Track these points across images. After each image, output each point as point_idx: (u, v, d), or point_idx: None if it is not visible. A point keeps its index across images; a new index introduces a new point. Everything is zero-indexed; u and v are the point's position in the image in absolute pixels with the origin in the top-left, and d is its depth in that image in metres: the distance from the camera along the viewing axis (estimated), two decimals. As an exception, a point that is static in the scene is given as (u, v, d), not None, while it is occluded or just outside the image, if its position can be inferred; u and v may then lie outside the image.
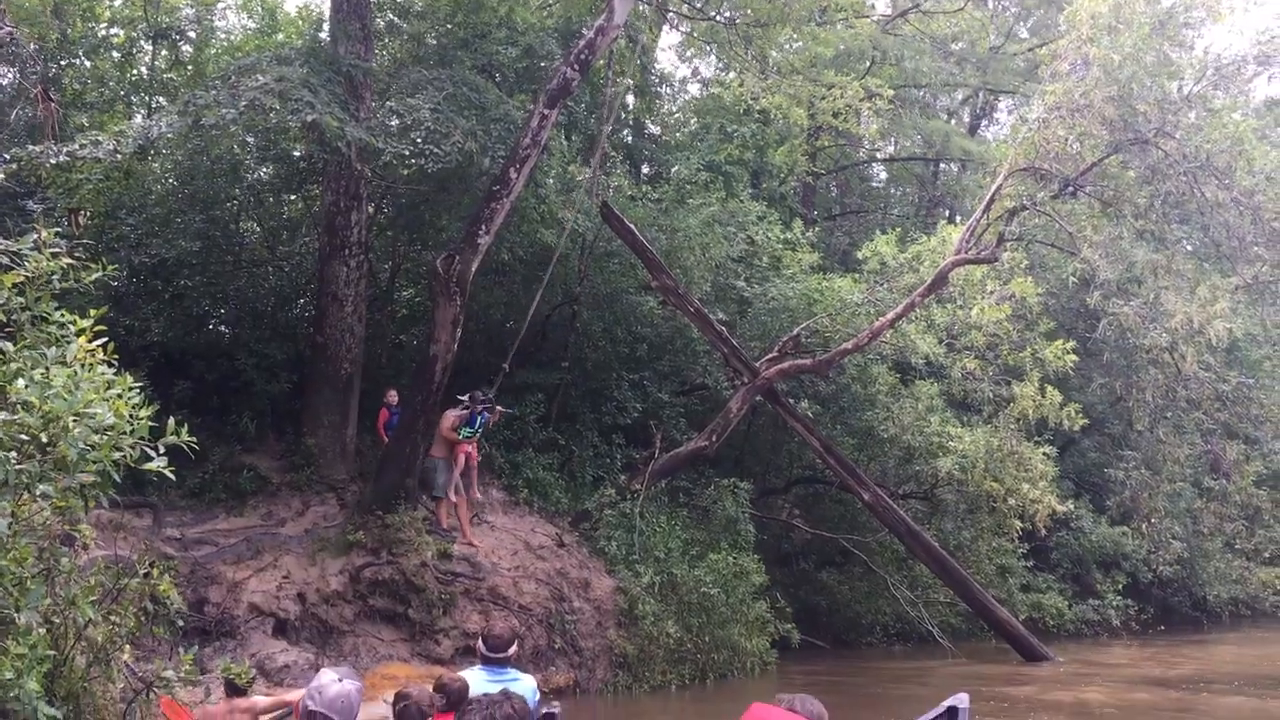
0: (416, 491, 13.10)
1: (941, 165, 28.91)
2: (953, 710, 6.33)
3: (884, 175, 31.00)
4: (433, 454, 12.80)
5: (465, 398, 12.83)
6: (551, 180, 16.02)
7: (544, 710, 6.91)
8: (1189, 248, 19.08)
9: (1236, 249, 15.17)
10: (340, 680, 3.94)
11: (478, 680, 5.39)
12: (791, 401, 17.28)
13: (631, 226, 15.03)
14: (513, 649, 5.63)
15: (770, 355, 16.25)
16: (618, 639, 13.16)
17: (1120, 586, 22.72)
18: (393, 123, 12.95)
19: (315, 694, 3.91)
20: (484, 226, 12.65)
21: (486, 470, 14.28)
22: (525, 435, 15.54)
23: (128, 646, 6.77)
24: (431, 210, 15.52)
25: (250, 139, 14.17)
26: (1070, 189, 15.12)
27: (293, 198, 16.67)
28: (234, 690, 6.87)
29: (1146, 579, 22.76)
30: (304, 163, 15.45)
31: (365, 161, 13.38)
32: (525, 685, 5.55)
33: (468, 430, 12.93)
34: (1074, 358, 17.22)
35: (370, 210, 15.13)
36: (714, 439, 15.62)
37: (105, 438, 4.91)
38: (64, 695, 5.87)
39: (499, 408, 13.42)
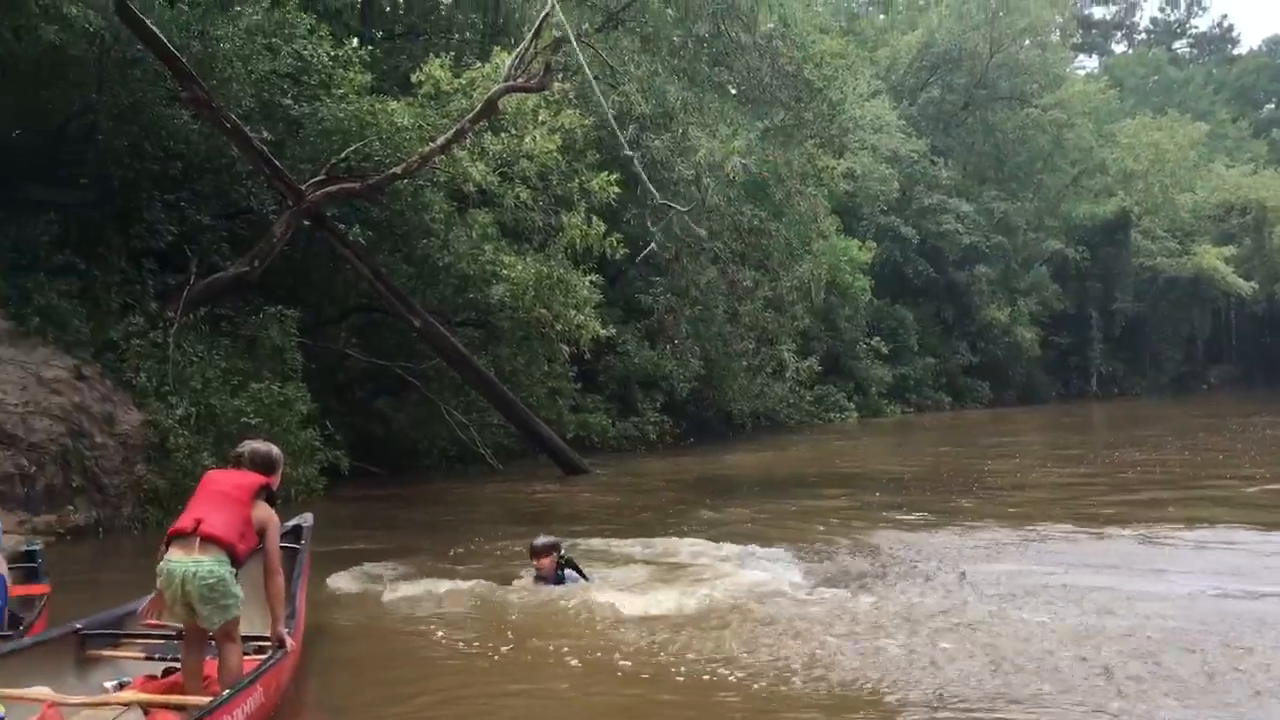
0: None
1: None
2: (298, 528, 7.22)
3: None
4: None
5: None
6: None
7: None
8: (734, 91, 20.47)
9: (758, 93, 16.47)
10: None
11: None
12: (343, 228, 16.84)
13: (155, 30, 13.60)
14: None
15: (317, 178, 15.63)
16: (148, 474, 12.51)
17: (659, 404, 24.85)
18: None
19: None
20: (-35, 15, 10.95)
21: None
22: (37, 258, 13.94)
23: None
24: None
25: None
26: (614, 23, 15.60)
27: None
28: None
29: (681, 396, 25.08)
30: None
31: None
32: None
33: None
34: (618, 189, 18.09)
35: None
36: (256, 264, 14.92)
37: None
38: None
39: None
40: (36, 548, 6.89)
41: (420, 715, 5.59)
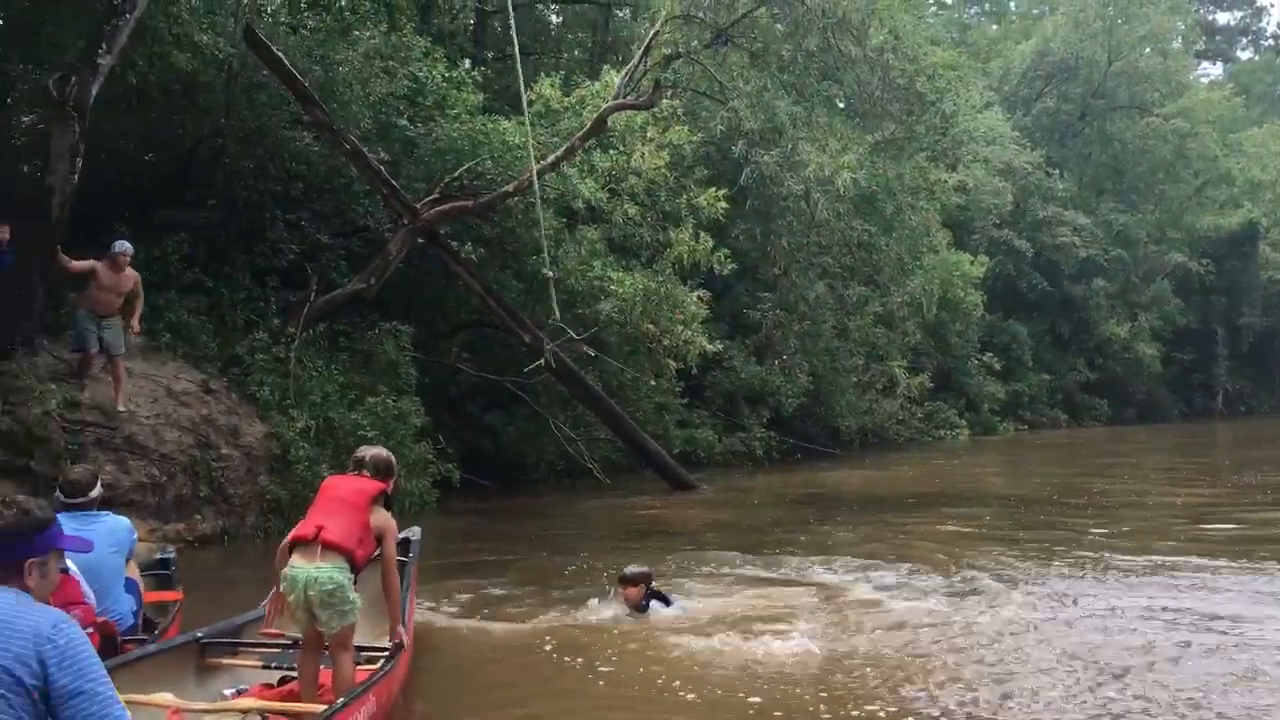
0: (39, 337, 12.03)
1: (614, 10, 28.95)
2: (406, 541, 7.18)
3: (556, 19, 30.70)
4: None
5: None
6: (188, -3, 14.65)
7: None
8: (842, 105, 20.30)
9: (869, 107, 16.31)
10: None
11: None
12: (456, 245, 17.16)
13: (279, 54, 14.09)
14: (96, 491, 5.43)
15: (431, 197, 15.98)
16: (270, 485, 12.90)
17: (765, 420, 24.69)
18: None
19: None
20: (104, 45, 11.49)
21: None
22: (168, 277, 14.54)
23: None
24: (46, 24, 13.85)
25: None
26: (723, 39, 15.62)
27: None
28: None
29: (788, 412, 24.88)
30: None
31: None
32: (115, 525, 5.43)
33: None
34: (725, 205, 18.07)
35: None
36: (373, 281, 15.31)
37: None
38: None
39: None
40: (170, 556, 7.14)
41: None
